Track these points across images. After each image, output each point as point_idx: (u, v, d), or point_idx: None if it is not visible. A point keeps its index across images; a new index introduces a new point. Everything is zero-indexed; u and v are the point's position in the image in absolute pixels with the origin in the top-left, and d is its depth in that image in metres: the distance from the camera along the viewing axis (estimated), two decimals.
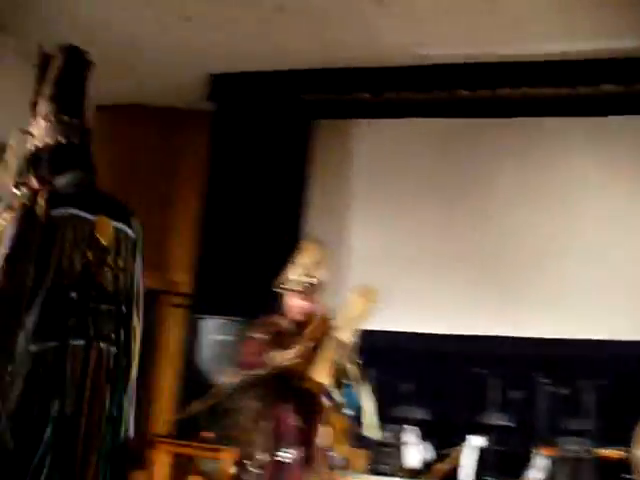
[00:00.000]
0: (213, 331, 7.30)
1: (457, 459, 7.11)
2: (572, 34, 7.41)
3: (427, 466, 7.29)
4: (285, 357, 4.06)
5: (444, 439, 7.76)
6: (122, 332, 2.85)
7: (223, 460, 6.48)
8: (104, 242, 2.79)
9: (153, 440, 7.54)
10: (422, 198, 8.54)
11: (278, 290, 4.42)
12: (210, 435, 6.68)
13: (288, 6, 7.38)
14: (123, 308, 2.88)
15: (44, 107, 2.96)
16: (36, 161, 2.87)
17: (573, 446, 6.76)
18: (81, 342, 2.62)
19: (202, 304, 8.36)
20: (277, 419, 4.06)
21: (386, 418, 7.78)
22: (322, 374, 3.93)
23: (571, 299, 7.81)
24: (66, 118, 2.93)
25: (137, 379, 2.99)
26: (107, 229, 2.82)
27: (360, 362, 4.06)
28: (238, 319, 7.43)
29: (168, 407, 8.29)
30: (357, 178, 8.90)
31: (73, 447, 2.55)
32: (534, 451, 7.07)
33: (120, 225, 2.93)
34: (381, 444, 7.13)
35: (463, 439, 7.34)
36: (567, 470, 6.77)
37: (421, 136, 8.78)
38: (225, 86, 8.88)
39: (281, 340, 4.18)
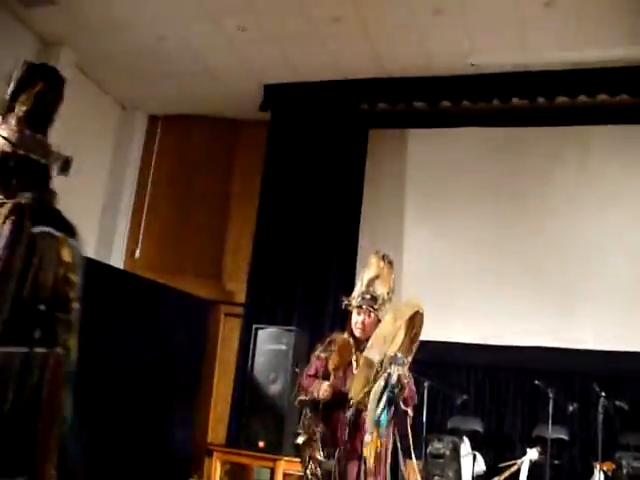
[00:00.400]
0: (267, 340, 7.33)
1: (514, 472, 7.03)
2: (634, 38, 7.30)
3: (480, 478, 7.21)
4: (321, 391, 4.21)
5: (499, 451, 7.69)
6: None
7: (276, 468, 6.50)
8: (67, 259, 2.95)
9: (209, 449, 7.60)
10: (476, 208, 8.49)
11: (345, 307, 4.44)
12: (263, 444, 6.71)
13: (343, 17, 7.42)
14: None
15: (16, 116, 3.00)
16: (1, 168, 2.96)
17: (633, 462, 6.60)
18: (44, 350, 2.81)
19: (256, 313, 8.41)
20: (331, 430, 4.20)
21: (441, 429, 7.76)
22: (356, 391, 3.98)
23: (632, 309, 7.67)
24: (37, 135, 3.09)
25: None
26: (68, 246, 2.98)
27: (403, 382, 3.96)
28: (292, 328, 7.46)
29: (224, 416, 8.35)
30: (412, 188, 8.87)
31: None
32: (593, 466, 6.95)
33: (74, 242, 3.06)
34: (435, 456, 7.07)
35: (518, 452, 7.26)
36: None
37: (476, 145, 8.73)
38: (280, 96, 8.94)
39: (344, 355, 4.29)
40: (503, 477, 7.09)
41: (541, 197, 8.37)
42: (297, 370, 7.09)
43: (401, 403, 3.98)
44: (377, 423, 3.87)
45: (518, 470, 6.97)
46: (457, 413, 7.95)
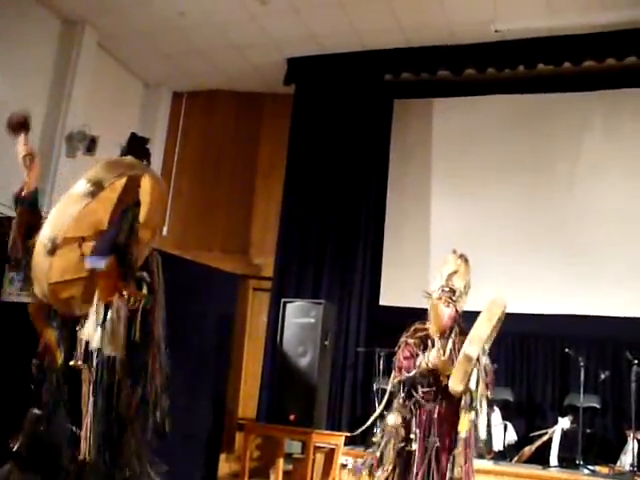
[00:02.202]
0: (296, 314, 7.34)
1: (545, 441, 7.02)
2: None
3: (512, 448, 7.20)
4: (434, 358, 4.44)
5: (530, 421, 7.67)
6: None
7: (308, 441, 6.54)
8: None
9: (240, 423, 7.65)
10: (502, 175, 8.41)
11: (426, 299, 4.75)
12: (294, 417, 6.74)
13: None
14: None
15: None
16: None
17: None
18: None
19: (285, 287, 8.44)
20: (426, 411, 4.49)
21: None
22: (456, 383, 4.23)
23: None
24: None
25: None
26: None
27: (487, 369, 4.34)
28: (320, 301, 7.47)
29: (254, 391, 8.40)
30: (438, 157, 8.82)
31: None
32: (627, 434, 6.92)
33: None
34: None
35: (550, 421, 7.24)
36: None
37: (502, 113, 8.64)
38: (304, 69, 8.90)
39: (427, 344, 4.58)
40: (535, 446, 7.09)
41: (568, 164, 8.28)
42: (326, 343, 7.14)
43: (486, 390, 4.33)
44: (475, 410, 4.26)
45: (550, 439, 6.97)
46: None
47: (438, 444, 4.36)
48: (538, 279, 7.95)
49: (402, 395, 4.55)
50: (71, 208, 3.16)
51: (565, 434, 6.95)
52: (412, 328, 4.75)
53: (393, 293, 8.55)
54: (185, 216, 9.44)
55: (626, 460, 6.72)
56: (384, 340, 8.06)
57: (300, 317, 7.24)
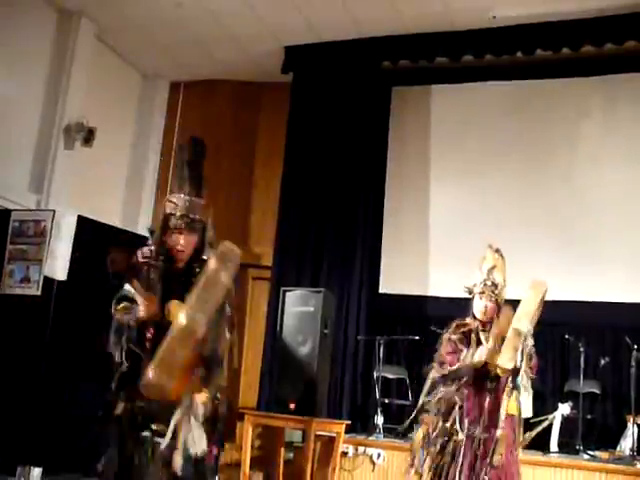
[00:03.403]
0: (295, 302, 7.33)
1: (545, 427, 7.02)
2: None
3: None
4: (479, 356, 4.52)
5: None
6: None
7: (308, 430, 6.55)
8: None
9: (240, 412, 7.66)
10: (502, 162, 8.40)
11: (467, 294, 4.92)
12: (294, 406, 6.75)
13: None
14: None
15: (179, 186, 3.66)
16: None
17: None
18: None
19: (284, 276, 8.43)
20: (473, 402, 4.55)
21: None
22: (506, 360, 4.31)
23: None
24: (194, 198, 3.63)
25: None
26: None
27: (532, 352, 4.43)
28: (320, 290, 7.47)
29: (254, 381, 8.41)
30: (436, 144, 8.81)
31: None
32: (626, 419, 6.93)
33: None
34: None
35: (550, 407, 7.24)
36: None
37: (500, 99, 8.63)
38: (301, 58, 8.88)
39: (470, 338, 4.68)
40: (535, 432, 7.06)
41: (566, 149, 8.27)
42: (326, 331, 7.13)
43: (530, 372, 4.46)
44: (517, 388, 4.42)
45: (550, 425, 6.96)
46: None
47: (487, 434, 4.43)
48: (537, 265, 7.90)
49: (443, 390, 4.64)
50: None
51: (565, 420, 6.96)
52: (453, 324, 4.85)
53: (393, 281, 8.55)
54: None
55: (626, 445, 6.74)
56: (384, 328, 8.10)
57: (300, 306, 7.23)
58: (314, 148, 8.77)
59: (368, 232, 8.62)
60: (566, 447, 6.89)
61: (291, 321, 7.23)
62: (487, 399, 4.50)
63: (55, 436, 6.32)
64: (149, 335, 3.46)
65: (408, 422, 5.31)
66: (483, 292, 4.78)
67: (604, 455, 6.73)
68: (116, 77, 9.36)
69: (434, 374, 4.76)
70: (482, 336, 4.63)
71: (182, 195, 3.61)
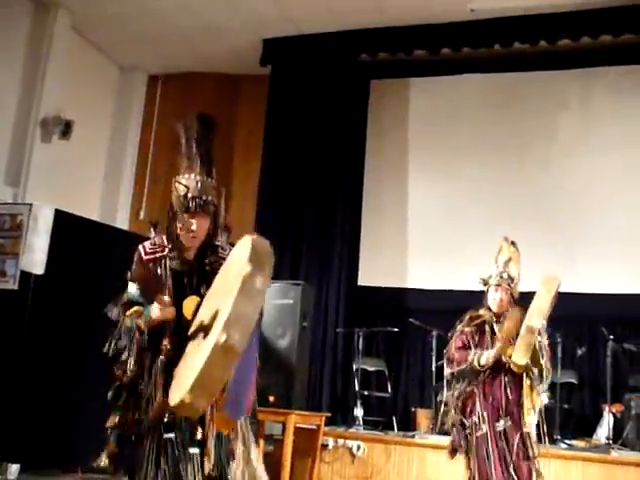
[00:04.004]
0: (274, 295, 7.32)
1: None
2: None
3: None
4: (487, 359, 4.60)
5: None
6: None
7: (287, 422, 6.56)
8: None
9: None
10: (479, 154, 8.46)
11: (482, 285, 4.96)
12: (274, 399, 6.75)
13: None
14: None
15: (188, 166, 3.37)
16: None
17: None
18: None
19: None
20: (491, 395, 4.63)
21: None
22: (520, 357, 4.38)
23: (637, 252, 7.66)
24: (206, 178, 3.34)
25: None
26: None
27: (546, 345, 4.54)
28: (298, 282, 7.47)
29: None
30: (414, 136, 8.85)
31: None
32: (602, 408, 7.00)
33: None
34: (445, 403, 7.11)
35: None
36: (637, 428, 6.68)
37: (478, 92, 8.67)
38: (280, 50, 8.87)
39: (484, 330, 4.75)
40: None
41: (544, 141, 8.34)
42: (305, 324, 7.14)
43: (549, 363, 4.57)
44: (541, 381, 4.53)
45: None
46: None
47: (510, 423, 4.52)
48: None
49: (458, 386, 4.72)
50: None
51: (543, 409, 7.01)
52: (467, 317, 4.90)
53: (372, 273, 8.59)
54: (162, 199, 9.38)
55: (602, 433, 6.82)
56: (363, 320, 8.12)
57: (278, 298, 7.22)
58: (293, 140, 8.77)
59: (347, 225, 8.64)
60: (544, 436, 6.94)
61: (270, 314, 7.22)
62: (504, 393, 4.58)
63: (33, 432, 6.29)
64: (166, 343, 3.15)
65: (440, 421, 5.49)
66: (499, 284, 4.84)
67: (581, 444, 6.79)
68: (94, 70, 9.29)
69: (446, 371, 4.84)
70: (496, 328, 4.71)
71: (192, 175, 3.31)
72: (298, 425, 6.80)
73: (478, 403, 4.61)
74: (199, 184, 3.29)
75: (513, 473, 4.44)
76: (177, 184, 3.31)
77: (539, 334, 4.42)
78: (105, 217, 8.92)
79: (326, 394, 8.17)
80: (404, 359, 8.52)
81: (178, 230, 3.27)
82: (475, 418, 4.58)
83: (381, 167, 8.87)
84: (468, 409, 4.65)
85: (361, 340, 7.66)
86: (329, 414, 7.34)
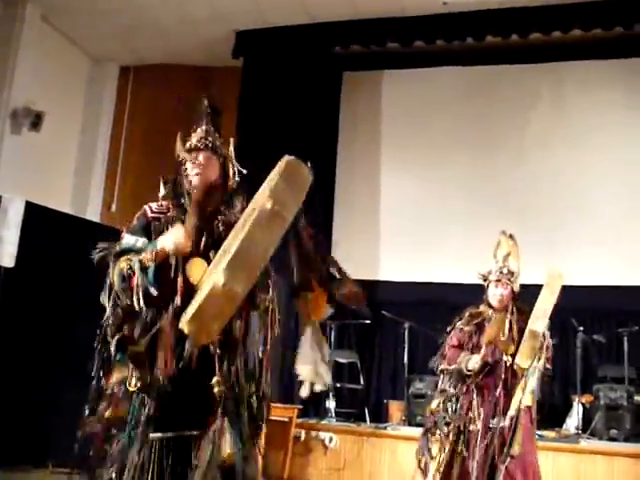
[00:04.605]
0: None
1: None
2: None
3: None
4: (471, 363, 4.59)
5: None
6: None
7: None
8: None
9: None
10: (452, 147, 8.51)
11: (481, 281, 4.90)
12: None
13: None
14: None
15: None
16: None
17: (610, 393, 6.73)
18: None
19: None
20: (489, 392, 4.60)
21: (422, 370, 7.85)
22: (524, 360, 4.33)
23: (607, 244, 7.74)
24: (213, 130, 3.25)
25: None
26: None
27: (550, 346, 4.54)
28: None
29: None
30: (387, 129, 8.88)
31: None
32: (572, 399, 7.08)
33: None
34: (417, 396, 7.16)
35: None
36: (606, 417, 6.77)
37: (451, 84, 8.71)
38: (252, 42, 8.83)
39: (483, 328, 4.70)
40: None
41: (516, 134, 8.42)
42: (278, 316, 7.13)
43: (546, 364, 4.53)
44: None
45: None
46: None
47: (503, 423, 4.46)
48: (488, 249, 8.02)
49: (450, 381, 4.69)
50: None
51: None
52: (466, 314, 4.87)
53: (343, 265, 8.57)
54: (134, 191, 9.34)
55: (571, 424, 6.89)
56: (335, 312, 8.10)
57: None
58: (265, 132, 8.73)
59: (319, 217, 8.61)
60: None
61: None
62: (502, 391, 4.54)
63: (5, 427, 6.24)
64: (180, 285, 2.77)
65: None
66: (499, 280, 4.78)
67: (551, 434, 6.85)
68: (64, 61, 9.19)
69: (440, 365, 4.78)
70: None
71: (199, 129, 3.23)
72: (270, 417, 6.80)
73: (475, 400, 4.58)
74: (206, 131, 3.21)
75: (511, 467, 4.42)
76: (184, 141, 3.21)
77: (543, 336, 4.39)
78: (76, 209, 8.85)
79: (298, 386, 8.16)
80: (376, 351, 8.55)
81: (186, 179, 3.12)
82: (471, 414, 4.56)
83: (353, 159, 8.88)
84: (465, 406, 4.61)
85: (333, 332, 7.68)
86: (301, 406, 7.35)
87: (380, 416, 7.79)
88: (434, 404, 4.70)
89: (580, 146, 8.11)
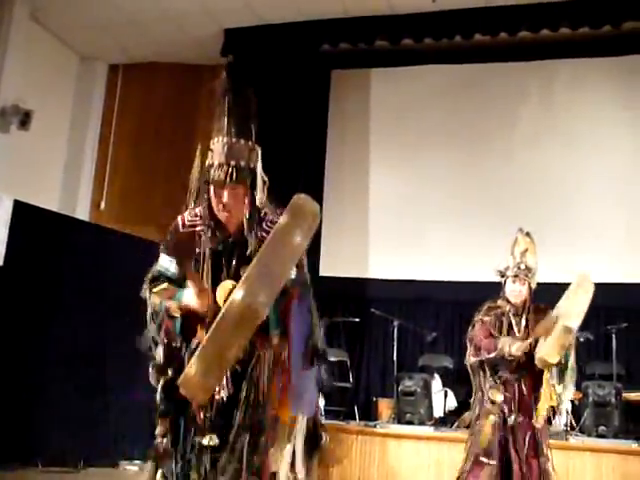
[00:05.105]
0: None
1: None
2: None
3: (452, 414, 7.32)
4: (518, 349, 4.53)
5: (470, 387, 7.77)
6: None
7: None
8: None
9: None
10: (441, 145, 8.53)
11: (499, 277, 4.90)
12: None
13: None
14: None
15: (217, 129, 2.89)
16: None
17: (598, 389, 6.76)
18: None
19: None
20: (512, 387, 4.62)
21: (411, 367, 7.87)
22: (553, 356, 4.31)
23: (594, 243, 7.78)
24: (236, 140, 2.87)
25: None
26: None
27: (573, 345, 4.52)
28: None
29: None
30: (376, 127, 8.89)
31: None
32: None
33: None
34: (406, 393, 7.17)
35: None
36: (594, 414, 6.79)
37: (440, 82, 8.73)
38: (241, 40, 8.81)
39: (502, 321, 4.72)
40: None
41: (504, 132, 8.45)
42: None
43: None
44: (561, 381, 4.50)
45: None
46: (427, 351, 8.06)
47: (521, 419, 4.51)
48: (476, 247, 8.07)
49: (488, 374, 4.66)
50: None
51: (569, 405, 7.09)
52: (485, 306, 4.87)
53: (333, 263, 8.60)
54: (123, 190, 9.34)
55: (560, 421, 6.91)
56: (324, 310, 8.09)
57: None
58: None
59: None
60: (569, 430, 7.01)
61: None
62: (517, 388, 4.58)
63: None
64: (200, 333, 2.64)
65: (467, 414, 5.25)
66: (517, 275, 4.79)
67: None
68: (53, 59, 9.16)
69: (471, 360, 4.75)
70: (514, 321, 4.70)
71: (220, 138, 2.83)
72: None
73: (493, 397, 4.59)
74: (226, 148, 2.80)
75: (526, 469, 4.45)
76: (209, 152, 2.88)
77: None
78: (65, 208, 8.83)
79: None
80: (365, 349, 8.56)
81: (213, 204, 2.78)
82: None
83: (342, 157, 8.89)
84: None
85: (322, 330, 7.67)
86: None
87: (369, 414, 7.80)
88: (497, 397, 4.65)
89: (569, 144, 8.14)
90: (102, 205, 9.39)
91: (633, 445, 6.26)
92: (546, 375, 4.48)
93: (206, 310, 2.63)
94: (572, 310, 4.39)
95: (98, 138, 9.61)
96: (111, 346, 6.90)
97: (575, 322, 4.33)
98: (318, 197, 8.69)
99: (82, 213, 9.14)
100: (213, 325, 2.36)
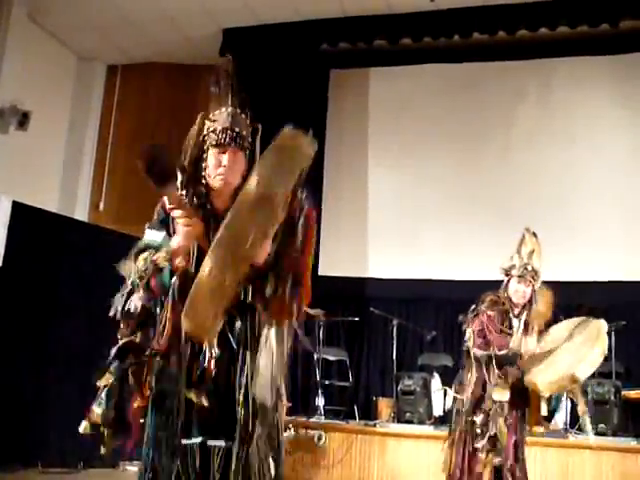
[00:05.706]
0: None
1: None
2: None
3: (451, 413, 7.30)
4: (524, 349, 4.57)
5: None
6: None
7: None
8: None
9: None
10: (439, 144, 8.55)
11: (503, 275, 4.83)
12: None
13: None
14: None
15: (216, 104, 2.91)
16: None
17: (597, 387, 6.76)
18: None
19: None
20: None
21: (411, 366, 7.87)
22: (546, 390, 4.36)
23: (587, 242, 7.79)
24: (239, 112, 2.90)
25: None
26: None
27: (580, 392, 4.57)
28: None
29: None
30: (374, 126, 8.90)
31: None
32: (561, 394, 7.09)
33: None
34: (406, 392, 7.17)
35: None
36: (594, 412, 6.78)
37: (438, 82, 8.74)
38: (239, 40, 8.81)
39: (504, 318, 4.68)
40: None
41: (504, 130, 8.45)
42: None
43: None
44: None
45: None
46: (427, 350, 8.06)
47: (510, 421, 4.54)
48: (475, 245, 8.09)
49: (496, 369, 4.61)
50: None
51: None
52: (488, 299, 4.81)
53: (332, 263, 8.60)
54: (122, 190, 9.33)
55: (559, 419, 6.91)
56: (324, 310, 8.12)
57: None
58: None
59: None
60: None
61: None
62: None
63: None
64: (180, 261, 2.55)
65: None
66: (522, 276, 4.72)
67: (539, 429, 6.88)
68: (51, 59, 9.16)
69: (478, 352, 4.66)
70: (514, 321, 4.67)
71: (223, 109, 2.83)
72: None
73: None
74: (230, 116, 2.81)
75: (508, 475, 4.47)
76: (205, 121, 2.85)
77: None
78: (64, 209, 8.83)
79: (287, 384, 8.17)
80: (365, 348, 8.57)
81: (206, 172, 2.75)
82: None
83: (341, 157, 8.89)
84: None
85: (322, 330, 7.69)
86: (290, 404, 7.33)
87: (369, 413, 7.81)
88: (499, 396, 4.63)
89: (566, 142, 8.16)
90: (101, 206, 9.39)
91: (632, 443, 6.28)
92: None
93: (198, 238, 2.58)
94: (588, 361, 4.33)
95: (97, 138, 9.61)
96: (110, 346, 6.88)
97: (584, 373, 4.29)
98: (317, 196, 8.71)
99: (81, 214, 9.14)
100: (229, 212, 2.34)
